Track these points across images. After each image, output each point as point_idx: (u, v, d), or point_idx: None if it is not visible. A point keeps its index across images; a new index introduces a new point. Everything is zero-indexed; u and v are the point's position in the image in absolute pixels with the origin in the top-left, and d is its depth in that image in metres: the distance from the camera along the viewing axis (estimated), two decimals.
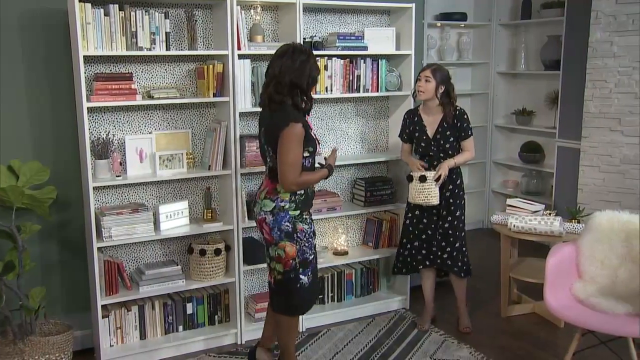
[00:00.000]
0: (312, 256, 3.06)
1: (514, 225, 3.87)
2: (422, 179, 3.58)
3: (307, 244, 3.01)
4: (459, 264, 3.76)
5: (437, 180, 3.58)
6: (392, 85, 4.04)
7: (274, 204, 2.96)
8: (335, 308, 4.07)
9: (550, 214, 3.99)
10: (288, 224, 2.96)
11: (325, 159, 3.17)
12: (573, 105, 4.93)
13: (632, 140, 4.44)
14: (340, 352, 3.60)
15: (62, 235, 3.52)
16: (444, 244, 3.75)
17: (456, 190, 3.71)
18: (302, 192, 2.99)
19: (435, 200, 3.61)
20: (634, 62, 4.38)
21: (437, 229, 3.75)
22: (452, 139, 3.65)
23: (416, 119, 3.76)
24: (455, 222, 3.72)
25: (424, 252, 3.80)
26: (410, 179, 3.65)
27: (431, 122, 3.70)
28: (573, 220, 3.96)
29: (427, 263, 3.81)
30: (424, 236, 3.78)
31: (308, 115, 3.04)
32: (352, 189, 4.22)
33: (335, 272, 4.11)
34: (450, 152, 3.67)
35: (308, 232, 3.02)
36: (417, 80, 3.67)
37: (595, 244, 3.29)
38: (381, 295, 4.27)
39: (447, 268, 3.81)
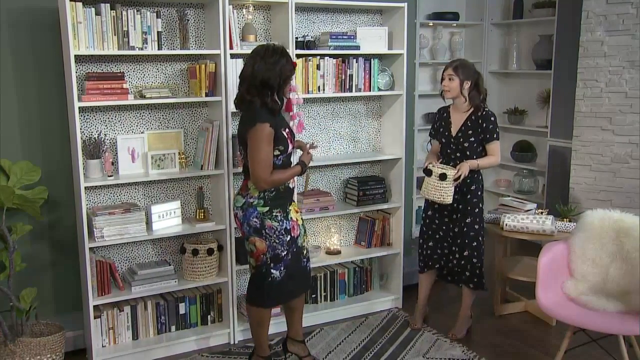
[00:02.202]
0: (286, 252, 3.08)
1: (507, 224, 3.88)
2: (443, 177, 3.45)
3: (277, 241, 3.05)
4: (467, 273, 3.65)
5: (456, 180, 3.46)
6: (385, 84, 4.04)
7: (244, 200, 3.05)
8: (328, 307, 4.07)
9: (542, 212, 4.00)
10: (256, 220, 3.02)
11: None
12: (564, 104, 4.95)
13: (623, 140, 4.47)
14: (333, 352, 3.60)
15: (53, 236, 3.51)
16: (454, 248, 3.69)
17: (468, 196, 3.59)
18: (273, 189, 3.03)
19: (449, 199, 3.49)
20: (624, 61, 4.41)
21: (448, 231, 3.69)
22: (472, 139, 3.55)
23: (445, 114, 3.70)
24: (465, 229, 3.61)
25: (439, 251, 3.76)
26: (429, 173, 3.52)
27: (457, 119, 3.61)
28: (565, 219, 3.98)
29: (442, 263, 3.75)
30: (437, 236, 3.74)
31: (290, 111, 3.13)
32: (345, 189, 4.22)
33: (328, 272, 4.11)
34: (468, 152, 3.56)
35: (278, 229, 3.04)
36: (442, 79, 3.60)
37: (586, 243, 3.31)
38: (374, 295, 4.27)
39: (455, 275, 3.74)
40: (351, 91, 3.91)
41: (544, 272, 3.20)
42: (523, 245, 4.46)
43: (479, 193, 3.64)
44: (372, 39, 3.92)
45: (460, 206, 3.62)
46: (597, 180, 4.62)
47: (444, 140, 3.66)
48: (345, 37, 3.83)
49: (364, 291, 4.28)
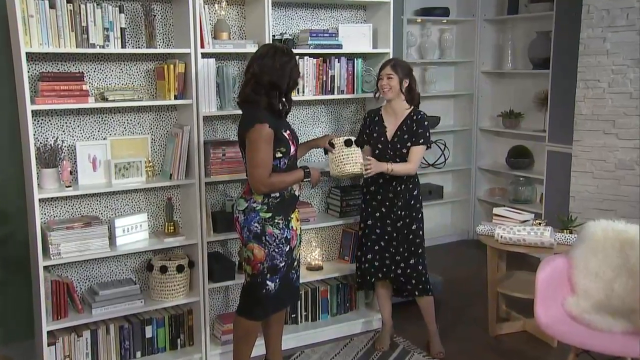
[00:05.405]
0: (283, 264, 3.12)
1: (502, 236, 3.84)
2: (348, 142, 3.41)
3: (277, 250, 3.08)
4: (413, 281, 3.68)
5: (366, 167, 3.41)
6: (369, 86, 4.01)
7: (247, 204, 3.09)
8: (309, 328, 4.02)
9: (540, 223, 3.97)
10: (257, 225, 3.06)
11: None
12: (564, 106, 4.95)
13: (628, 144, 4.47)
14: None
15: (2, 253, 3.43)
16: (397, 257, 3.69)
17: (412, 202, 3.63)
18: (278, 195, 3.07)
19: (359, 168, 3.39)
20: (628, 59, 4.41)
21: (391, 240, 3.69)
22: (409, 143, 3.57)
23: (377, 118, 3.70)
24: (411, 237, 3.65)
25: (376, 264, 3.74)
26: (332, 146, 3.43)
27: (392, 123, 3.64)
28: (565, 231, 3.95)
29: (380, 276, 3.75)
30: (376, 247, 3.73)
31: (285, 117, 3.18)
32: (327, 199, 4.19)
33: (310, 289, 4.05)
34: (407, 159, 3.57)
35: (279, 237, 3.07)
36: (378, 79, 3.63)
37: (588, 256, 3.28)
38: (359, 314, 4.23)
39: (400, 285, 3.75)
40: (333, 93, 3.91)
41: (542, 288, 3.16)
42: (520, 259, 4.45)
43: (420, 197, 3.70)
44: (355, 37, 3.92)
45: (405, 212, 3.64)
46: (599, 189, 4.62)
47: (380, 147, 3.64)
48: (326, 35, 3.82)
49: (348, 310, 4.23)
